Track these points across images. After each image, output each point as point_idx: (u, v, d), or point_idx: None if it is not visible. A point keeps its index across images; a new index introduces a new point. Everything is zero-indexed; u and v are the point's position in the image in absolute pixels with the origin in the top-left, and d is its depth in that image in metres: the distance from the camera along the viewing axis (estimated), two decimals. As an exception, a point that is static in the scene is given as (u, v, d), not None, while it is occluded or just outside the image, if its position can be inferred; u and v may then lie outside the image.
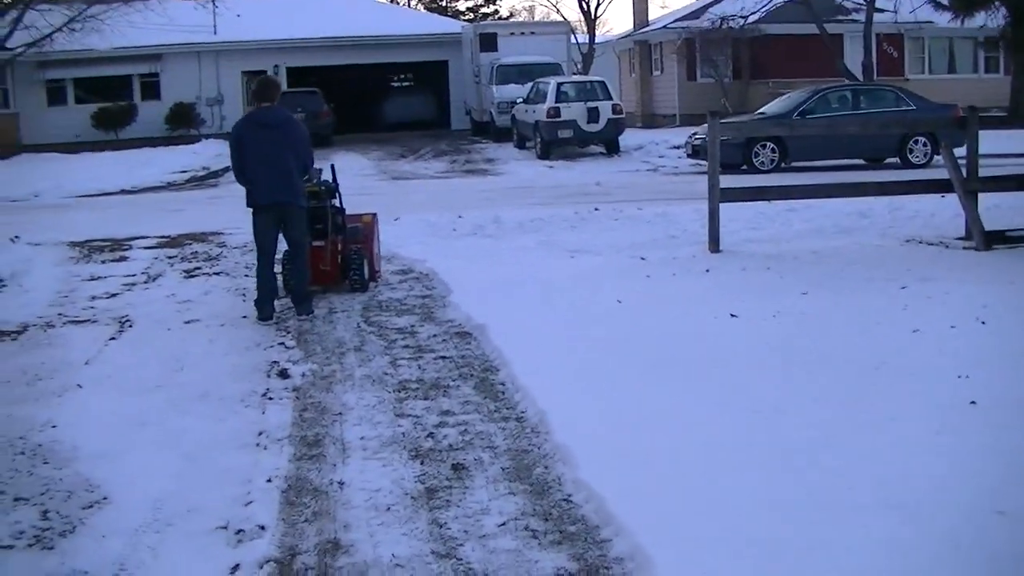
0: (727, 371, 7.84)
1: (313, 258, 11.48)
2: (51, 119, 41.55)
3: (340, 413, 7.56)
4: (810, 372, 7.74)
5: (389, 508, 5.82)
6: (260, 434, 7.19)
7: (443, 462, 6.47)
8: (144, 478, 6.45)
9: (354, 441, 6.94)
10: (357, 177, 27.29)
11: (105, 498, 6.18)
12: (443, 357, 8.92)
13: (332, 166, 11.97)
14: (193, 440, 7.10)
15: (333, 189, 11.74)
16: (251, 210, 10.55)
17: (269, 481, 6.31)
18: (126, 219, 19.27)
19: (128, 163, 31.14)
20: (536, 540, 5.30)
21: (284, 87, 41.71)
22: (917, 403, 6.96)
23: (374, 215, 12.71)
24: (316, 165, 11.36)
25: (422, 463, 6.47)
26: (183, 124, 40.62)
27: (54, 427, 7.44)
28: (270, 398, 8.00)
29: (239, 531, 5.63)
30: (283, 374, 8.55)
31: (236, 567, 5.25)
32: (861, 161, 25.41)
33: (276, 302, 10.77)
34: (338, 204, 11.81)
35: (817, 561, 4.83)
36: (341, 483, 6.23)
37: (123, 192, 26.63)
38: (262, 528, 5.64)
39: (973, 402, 6.86)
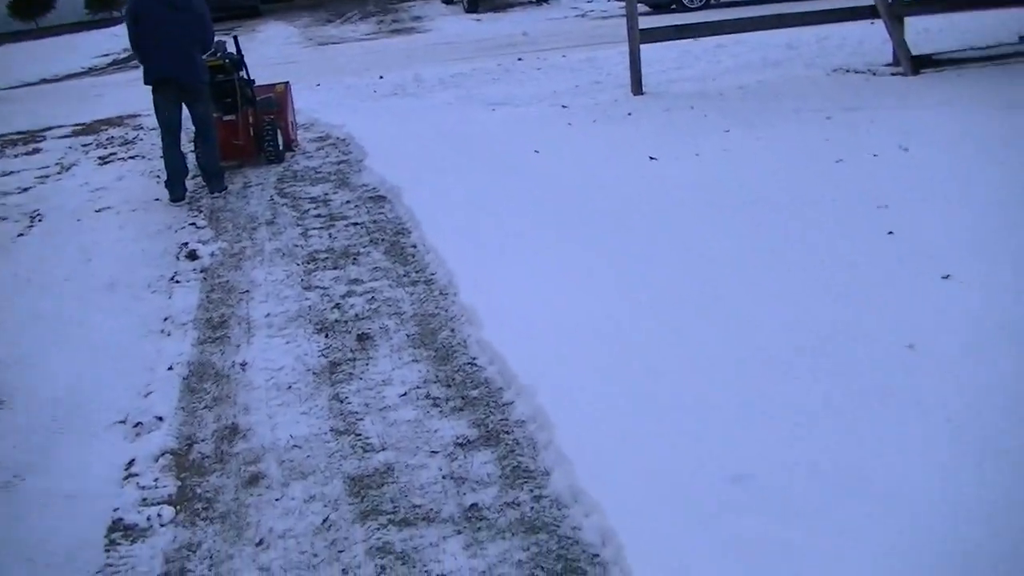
0: (643, 218, 7.64)
1: (225, 133, 11.17)
2: (-35, 10, 40.43)
3: (247, 291, 7.35)
4: (729, 213, 7.56)
5: (290, 387, 5.65)
6: (165, 320, 6.99)
7: (348, 333, 6.29)
8: (45, 378, 6.26)
9: (259, 319, 6.74)
10: (282, 46, 26.67)
11: (1, 402, 5.97)
12: (355, 223, 8.68)
13: (235, 38, 11.53)
14: (98, 333, 6.90)
15: (238, 61, 11.31)
16: (150, 88, 10.18)
17: (170, 369, 6.12)
18: (40, 110, 18.71)
19: (48, 51, 30.27)
20: (438, 408, 5.14)
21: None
22: (836, 235, 6.80)
23: (287, 84, 12.33)
24: (220, 38, 10.97)
25: (327, 336, 6.29)
26: (104, 7, 39.49)
27: (-37, 327, 7.22)
28: (177, 281, 7.76)
29: (137, 424, 5.46)
30: (192, 255, 8.30)
31: (131, 462, 5.08)
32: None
33: (188, 181, 10.46)
34: (245, 76, 11.40)
35: (707, 404, 4.70)
36: (244, 364, 6.05)
37: (43, 81, 25.83)
38: (160, 419, 5.48)
39: (891, 232, 6.71)
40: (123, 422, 5.52)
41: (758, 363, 5.07)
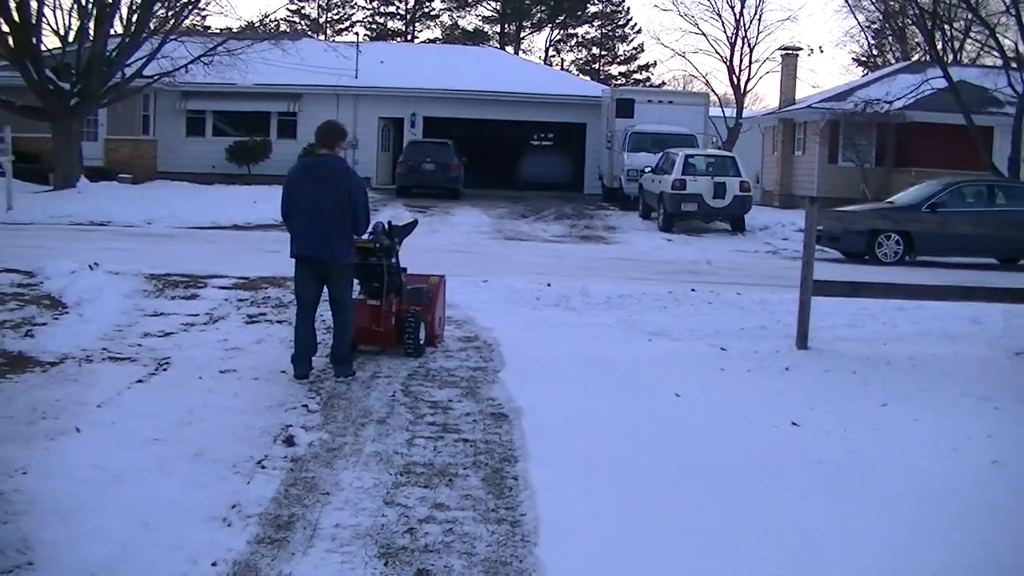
0: (765, 490, 6.99)
1: (368, 318, 10.95)
2: (189, 148, 42.35)
3: (328, 493, 6.91)
4: (862, 502, 6.85)
5: (326, 616, 5.14)
6: (233, 507, 6.59)
7: (409, 566, 5.76)
8: (87, 544, 5.90)
9: (327, 528, 6.28)
10: (470, 233, 26.89)
11: (31, 563, 5.62)
12: (466, 440, 8.21)
13: (389, 222, 11.27)
14: (161, 505, 6.53)
15: (390, 247, 11.03)
16: (293, 260, 10.03)
17: (214, 565, 5.70)
18: (218, 255, 18.99)
19: (250, 199, 31.13)
20: None
21: (419, 136, 41.79)
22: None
23: (442, 278, 12.07)
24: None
25: (386, 564, 5.78)
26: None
27: (24, 474, 6.95)
28: (263, 467, 7.39)
29: (154, 623, 5.00)
30: (289, 441, 7.94)
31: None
32: (993, 260, 24.18)
33: (318, 359, 10.21)
34: (395, 263, 11.11)
35: None
36: (288, 578, 5.56)
37: (234, 227, 26.50)
38: (179, 623, 5.00)
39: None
40: (142, 616, 5.07)
41: None
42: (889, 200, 26.36)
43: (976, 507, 6.87)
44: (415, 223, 11.76)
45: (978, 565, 6.00)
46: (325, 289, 10.20)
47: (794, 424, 8.66)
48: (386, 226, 11.08)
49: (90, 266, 15.23)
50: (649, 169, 32.34)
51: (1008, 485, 7.37)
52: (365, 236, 10.56)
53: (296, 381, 9.84)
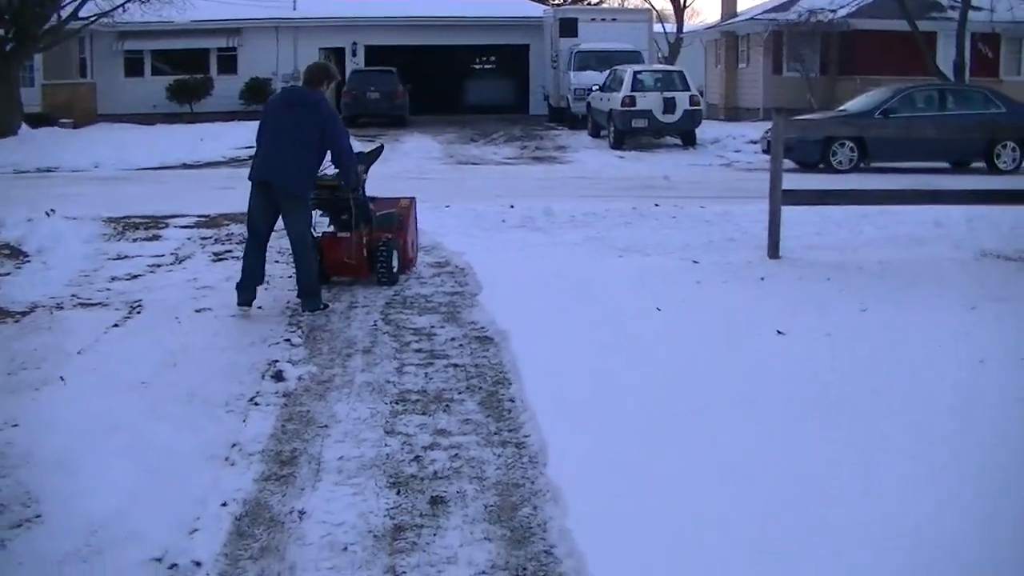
0: (757, 409, 6.94)
1: (337, 250, 10.85)
2: (128, 90, 41.70)
3: (326, 426, 6.85)
4: (854, 415, 6.82)
5: (346, 548, 5.10)
6: (233, 447, 6.51)
7: (422, 493, 5.72)
8: (92, 494, 5.76)
9: (331, 461, 6.22)
10: (423, 160, 26.67)
11: (38, 516, 5.52)
12: (456, 365, 8.17)
13: (359, 152, 11.15)
14: (160, 450, 6.40)
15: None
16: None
17: (224, 505, 5.63)
18: (173, 195, 18.72)
19: (195, 137, 30.71)
20: (502, 600, 4.55)
21: (362, 65, 41.39)
22: (970, 456, 6.08)
23: (412, 200, 11.96)
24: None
25: (398, 493, 5.74)
26: (259, 99, 40.07)
27: (15, 426, 6.81)
28: (256, 403, 7.31)
29: (172, 566, 4.97)
30: (278, 376, 7.85)
31: (156, 611, 4.55)
32: (945, 164, 24.28)
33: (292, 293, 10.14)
34: (362, 193, 10.93)
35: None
36: (302, 513, 5.51)
37: (183, 166, 26.15)
38: (198, 565, 4.96)
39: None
40: (159, 560, 5.01)
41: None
42: (841, 108, 26.35)
43: (962, 407, 6.90)
44: (381, 148, 11.68)
45: (984, 464, 6.02)
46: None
47: (779, 332, 8.65)
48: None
49: (47, 213, 14.94)
50: (597, 87, 32.18)
51: (994, 383, 7.40)
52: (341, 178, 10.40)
53: (240, 308, 9.81)
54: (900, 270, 11.46)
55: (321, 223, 11.12)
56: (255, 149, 10.07)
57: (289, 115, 9.75)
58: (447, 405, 7.21)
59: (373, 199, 11.25)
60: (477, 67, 50.71)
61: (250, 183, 9.92)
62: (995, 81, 34.88)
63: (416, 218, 12.07)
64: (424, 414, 7.03)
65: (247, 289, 9.83)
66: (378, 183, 11.57)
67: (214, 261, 12.58)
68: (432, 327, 9.36)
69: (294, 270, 10.27)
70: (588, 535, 4.97)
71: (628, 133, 29.51)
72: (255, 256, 9.90)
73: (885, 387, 7.29)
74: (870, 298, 10.00)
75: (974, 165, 24.20)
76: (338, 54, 44.10)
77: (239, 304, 9.78)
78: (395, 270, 10.98)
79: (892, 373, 7.63)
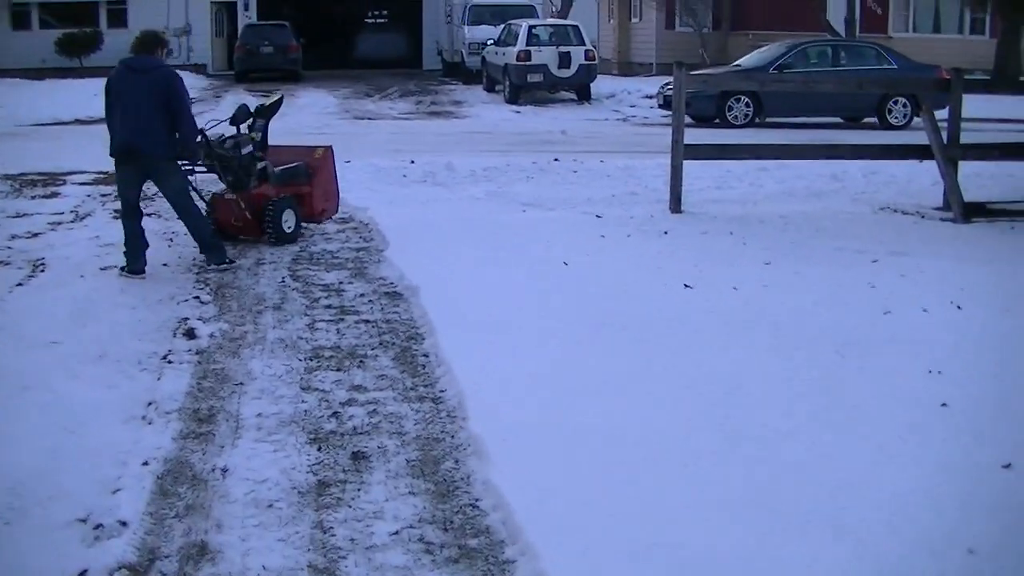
0: (674, 354, 7.12)
1: (225, 212, 10.77)
2: (15, 43, 40.41)
3: (241, 383, 6.83)
4: (765, 355, 7.05)
5: (271, 505, 5.11)
6: (149, 405, 6.46)
7: (343, 449, 5.75)
8: (13, 453, 5.73)
9: (249, 419, 6.21)
10: (319, 115, 26.44)
11: (-43, 480, 5.45)
12: (367, 321, 8.18)
13: (260, 105, 11.05)
14: (76, 409, 6.36)
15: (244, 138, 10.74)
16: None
17: (145, 464, 5.59)
18: (69, 151, 18.32)
19: (88, 91, 29.90)
20: (431, 556, 4.61)
21: (254, 19, 40.82)
22: (881, 402, 6.26)
23: (328, 148, 11.81)
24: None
25: (319, 449, 5.76)
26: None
27: (-78, 387, 6.70)
28: (170, 361, 7.26)
29: (98, 526, 4.93)
30: (190, 333, 7.82)
31: (84, 572, 4.53)
32: (838, 119, 24.64)
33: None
34: (250, 151, 10.75)
35: None
36: (224, 470, 5.51)
37: (77, 122, 25.60)
38: (123, 524, 4.93)
39: (944, 404, 6.17)
40: (84, 521, 4.97)
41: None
42: (735, 64, 26.56)
43: (871, 357, 7.10)
44: (281, 100, 11.50)
45: (883, 395, 6.30)
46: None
47: (686, 286, 8.79)
48: (250, 109, 10.88)
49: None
50: (492, 42, 32.11)
51: (902, 333, 7.62)
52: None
53: (133, 276, 9.59)
54: (801, 224, 11.66)
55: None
56: (108, 124, 9.79)
57: (136, 84, 9.52)
58: (361, 361, 7.22)
59: (280, 148, 11.14)
60: (370, 21, 50.34)
61: (113, 158, 9.72)
62: (884, 37, 35.37)
63: (334, 167, 11.90)
64: (339, 370, 7.04)
65: (136, 258, 9.65)
66: (276, 139, 11.46)
67: (115, 218, 12.28)
68: (340, 283, 9.35)
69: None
70: (513, 488, 5.03)
71: (523, 88, 29.49)
72: (133, 224, 9.70)
73: (788, 331, 7.51)
74: (773, 252, 10.20)
75: (866, 120, 24.58)
76: (230, 8, 43.45)
77: (131, 272, 9.57)
78: (290, 229, 10.85)
79: (795, 321, 7.83)
